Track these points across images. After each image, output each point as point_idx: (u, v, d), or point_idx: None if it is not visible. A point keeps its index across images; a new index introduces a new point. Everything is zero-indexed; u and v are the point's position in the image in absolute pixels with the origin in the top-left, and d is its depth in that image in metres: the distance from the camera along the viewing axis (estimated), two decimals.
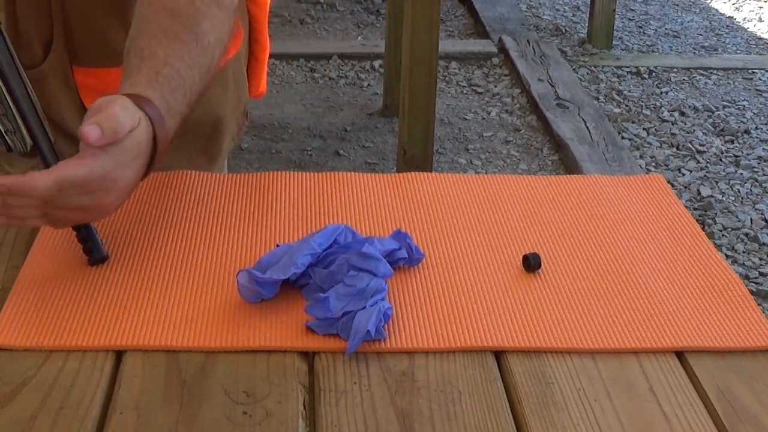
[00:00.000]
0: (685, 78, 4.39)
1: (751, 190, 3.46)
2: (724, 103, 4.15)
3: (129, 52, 1.14)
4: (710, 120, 3.99)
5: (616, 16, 4.76)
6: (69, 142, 1.34)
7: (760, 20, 5.22)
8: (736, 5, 5.44)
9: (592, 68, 4.46)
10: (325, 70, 4.36)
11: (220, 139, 1.43)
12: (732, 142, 3.82)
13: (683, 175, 3.55)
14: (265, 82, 1.54)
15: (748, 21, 5.22)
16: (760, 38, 4.98)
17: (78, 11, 1.27)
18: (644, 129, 3.90)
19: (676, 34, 4.99)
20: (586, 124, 3.75)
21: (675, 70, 4.47)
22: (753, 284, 2.93)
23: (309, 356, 0.96)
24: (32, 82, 1.28)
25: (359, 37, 4.78)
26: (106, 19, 1.27)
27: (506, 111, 4.05)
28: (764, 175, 3.57)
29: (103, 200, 1.00)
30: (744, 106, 4.13)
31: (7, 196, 0.96)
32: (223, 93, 1.42)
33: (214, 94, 1.40)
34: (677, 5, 5.42)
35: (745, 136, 3.87)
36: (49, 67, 1.29)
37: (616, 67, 4.48)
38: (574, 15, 5.17)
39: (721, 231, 3.20)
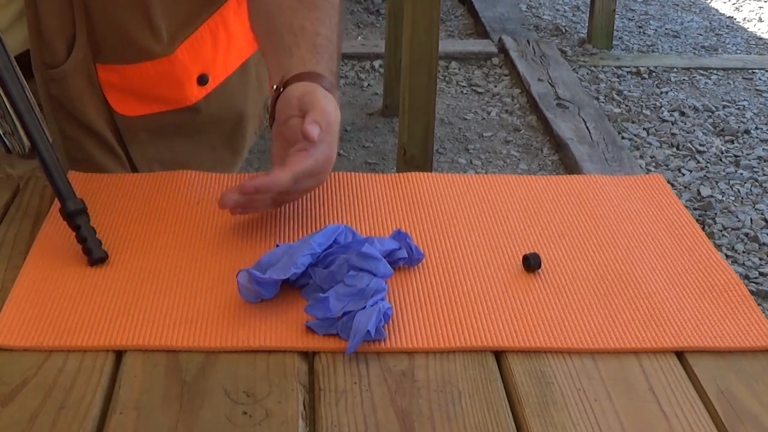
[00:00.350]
0: (685, 78, 4.39)
1: (751, 190, 3.46)
2: (724, 103, 4.15)
3: (271, 30, 1.21)
4: (710, 120, 3.99)
5: (616, 16, 4.76)
6: (94, 140, 1.34)
7: (760, 20, 5.22)
8: (736, 5, 5.44)
9: (592, 68, 4.46)
10: None
11: (243, 133, 1.47)
12: (732, 142, 3.82)
13: (683, 175, 3.55)
14: None
15: (748, 21, 5.22)
16: (760, 38, 4.98)
17: (100, 7, 1.26)
18: (644, 129, 3.90)
19: (676, 34, 4.99)
20: (586, 124, 3.75)
21: (675, 70, 4.47)
22: (753, 284, 2.93)
23: (309, 356, 0.95)
24: (56, 81, 1.29)
25: (359, 37, 4.78)
26: (129, 15, 1.27)
27: (506, 111, 4.05)
28: (764, 175, 3.57)
29: (322, 179, 1.15)
30: (744, 106, 4.13)
31: (255, 194, 1.08)
32: (245, 89, 1.44)
33: (237, 89, 1.42)
34: (677, 5, 5.42)
35: (745, 136, 3.87)
36: (73, 65, 1.29)
37: (616, 67, 4.48)
38: (574, 15, 5.17)
39: (721, 231, 3.20)
